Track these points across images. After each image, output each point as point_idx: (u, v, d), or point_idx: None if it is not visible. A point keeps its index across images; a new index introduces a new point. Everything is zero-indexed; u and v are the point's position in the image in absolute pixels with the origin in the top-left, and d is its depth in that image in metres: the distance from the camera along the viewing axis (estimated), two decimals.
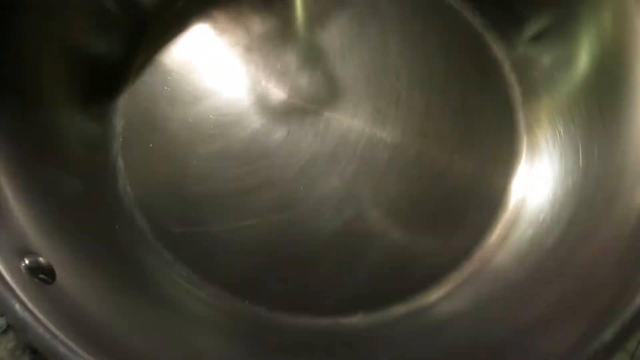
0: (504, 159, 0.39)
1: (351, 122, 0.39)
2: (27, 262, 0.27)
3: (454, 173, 0.39)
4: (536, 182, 0.38)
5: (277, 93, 0.39)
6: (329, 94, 0.40)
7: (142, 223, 0.37)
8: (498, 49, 0.40)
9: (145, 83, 0.39)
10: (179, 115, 0.39)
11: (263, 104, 0.39)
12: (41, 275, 0.28)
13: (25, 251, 0.28)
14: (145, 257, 0.36)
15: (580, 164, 0.35)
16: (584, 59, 0.36)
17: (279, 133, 0.39)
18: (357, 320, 0.36)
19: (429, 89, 0.40)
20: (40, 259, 0.28)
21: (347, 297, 0.37)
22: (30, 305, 0.25)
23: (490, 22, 0.40)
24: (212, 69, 0.40)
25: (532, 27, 0.39)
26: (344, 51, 0.41)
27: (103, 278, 0.32)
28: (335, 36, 0.41)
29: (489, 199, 0.38)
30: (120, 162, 0.38)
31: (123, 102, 0.39)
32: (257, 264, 0.37)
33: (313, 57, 0.41)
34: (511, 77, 0.40)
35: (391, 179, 0.38)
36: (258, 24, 0.41)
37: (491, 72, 0.40)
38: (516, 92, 0.40)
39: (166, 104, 0.39)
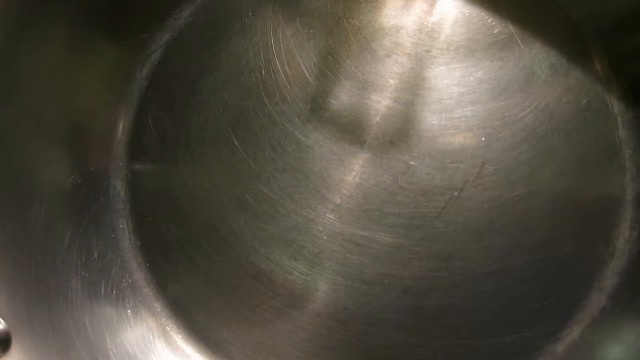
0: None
1: (379, 180, 0.32)
2: None
3: None
4: None
5: (339, 95, 0.33)
6: (391, 134, 0.32)
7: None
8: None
9: None
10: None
11: (315, 96, 0.33)
12: None
13: None
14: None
15: None
16: None
17: (308, 137, 0.33)
18: None
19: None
20: None
21: None
22: None
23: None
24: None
25: None
26: (451, 103, 0.32)
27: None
28: (454, 81, 0.32)
29: None
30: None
31: None
32: None
33: (412, 85, 0.32)
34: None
35: None
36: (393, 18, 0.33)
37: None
38: None
39: None
